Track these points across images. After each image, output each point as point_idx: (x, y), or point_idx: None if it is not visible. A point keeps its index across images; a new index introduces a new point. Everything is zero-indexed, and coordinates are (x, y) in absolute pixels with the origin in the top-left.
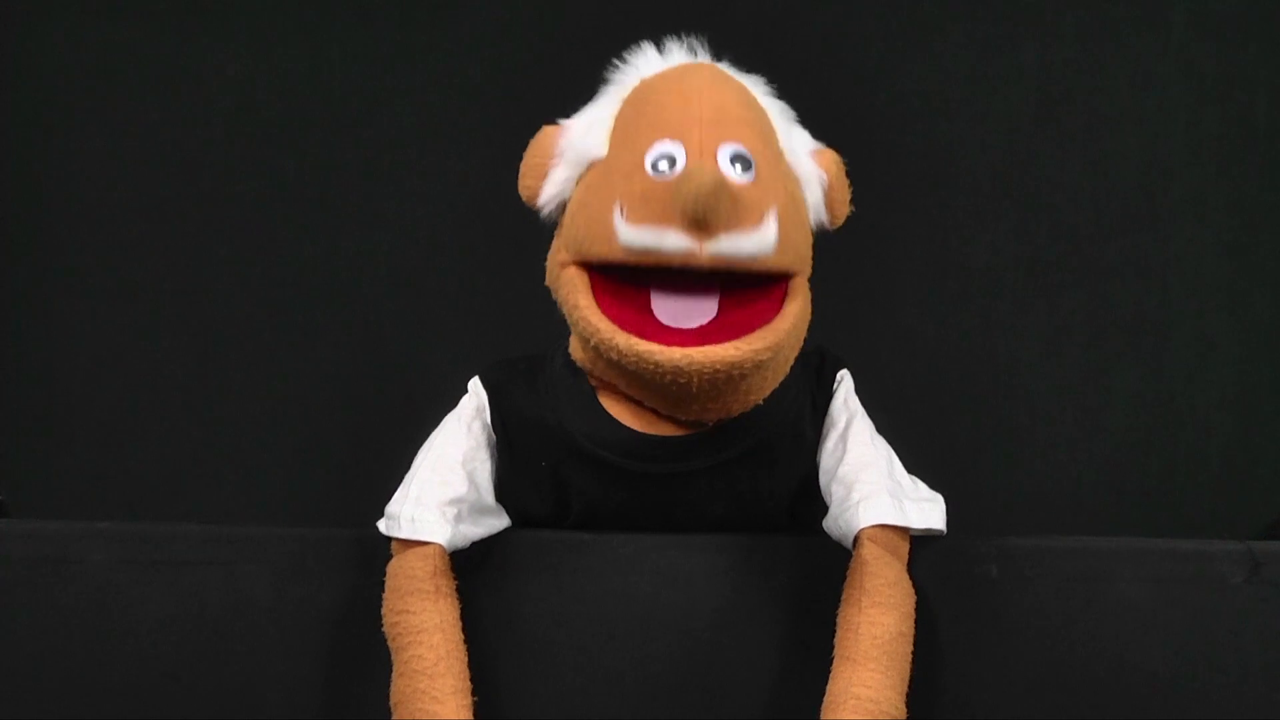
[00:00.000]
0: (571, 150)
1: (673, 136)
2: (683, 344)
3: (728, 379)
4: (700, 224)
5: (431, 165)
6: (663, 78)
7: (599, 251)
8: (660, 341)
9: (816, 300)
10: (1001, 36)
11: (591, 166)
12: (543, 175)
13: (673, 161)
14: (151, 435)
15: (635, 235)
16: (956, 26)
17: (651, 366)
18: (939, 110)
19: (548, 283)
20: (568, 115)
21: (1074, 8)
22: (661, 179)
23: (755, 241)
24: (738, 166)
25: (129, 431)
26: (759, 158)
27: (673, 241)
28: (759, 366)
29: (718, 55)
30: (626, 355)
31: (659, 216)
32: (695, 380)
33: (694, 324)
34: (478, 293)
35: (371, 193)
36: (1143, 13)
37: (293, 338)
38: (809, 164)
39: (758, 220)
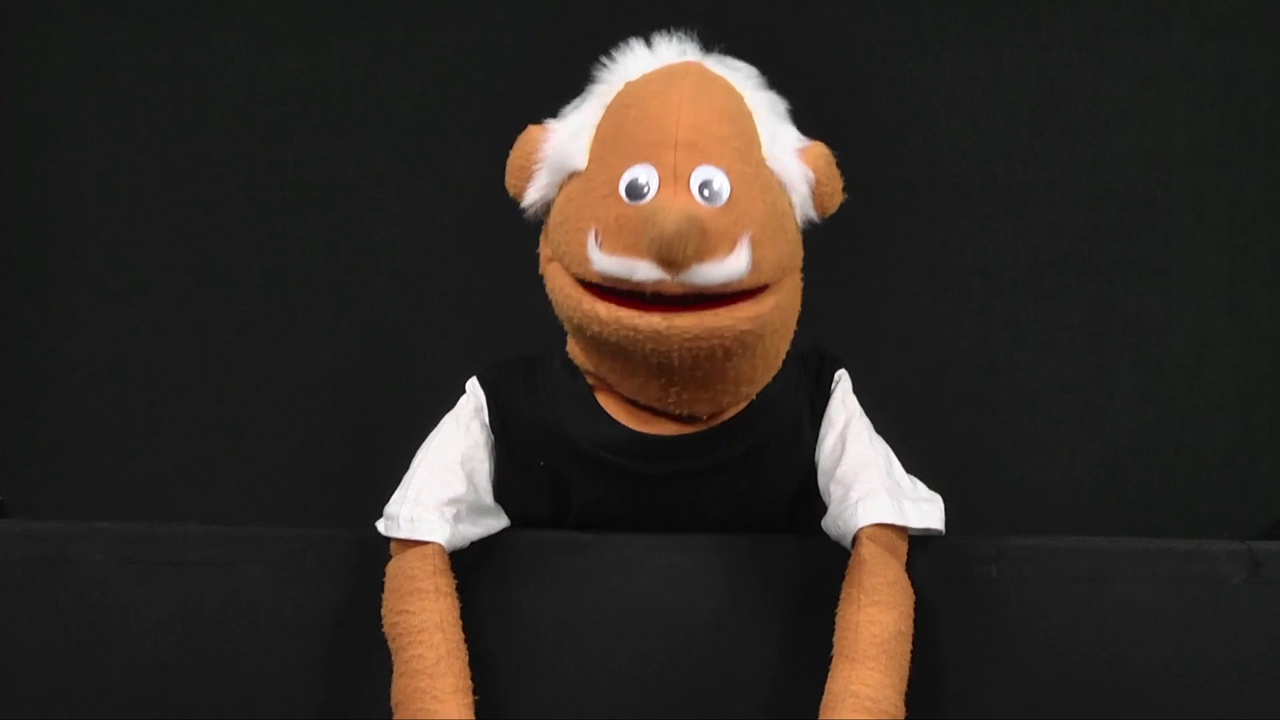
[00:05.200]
0: (553, 158)
1: (647, 160)
2: (663, 310)
3: (709, 354)
4: (668, 263)
5: (431, 165)
6: (644, 86)
7: (576, 271)
8: (641, 309)
9: (817, 300)
10: (1001, 37)
11: (572, 176)
12: (527, 177)
13: (647, 189)
14: (151, 435)
15: (608, 264)
16: (956, 26)
17: (631, 332)
18: (938, 110)
19: (540, 270)
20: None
21: (1074, 8)
22: (635, 206)
23: (726, 270)
24: (710, 192)
25: (129, 431)
26: (735, 178)
27: (644, 272)
28: (742, 342)
29: (710, 49)
30: (608, 324)
31: (630, 248)
32: (676, 351)
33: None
34: (478, 293)
35: (371, 192)
36: (1143, 13)
37: (293, 338)
38: (794, 165)
39: (729, 249)
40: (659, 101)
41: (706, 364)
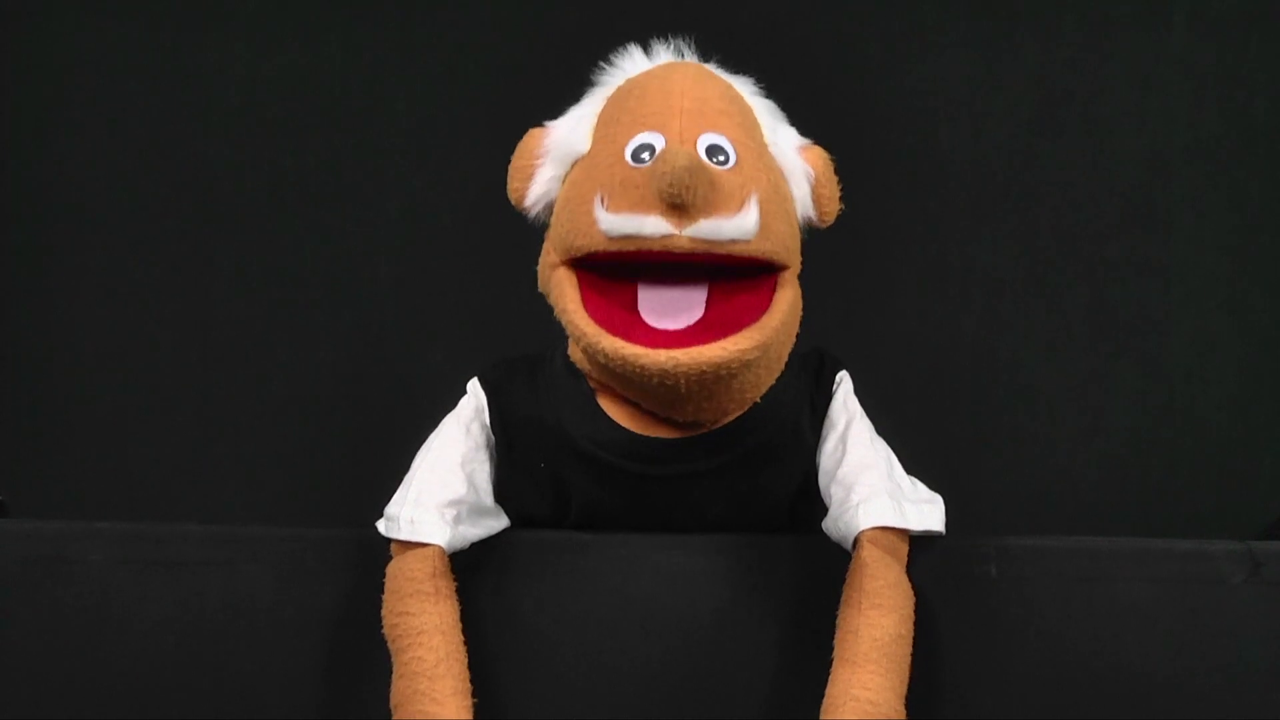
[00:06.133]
0: (556, 149)
1: (653, 128)
2: (668, 345)
3: (716, 379)
4: (678, 205)
5: (431, 165)
6: (647, 74)
7: (582, 243)
8: (646, 344)
9: (817, 301)
10: (1001, 36)
11: (576, 163)
12: (529, 177)
13: (653, 151)
14: (151, 435)
15: (615, 223)
16: (956, 26)
17: (638, 370)
18: (939, 110)
19: (540, 288)
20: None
21: (1074, 8)
22: (641, 167)
23: (735, 225)
24: (718, 157)
25: (129, 431)
26: (740, 148)
27: (652, 226)
28: (747, 366)
29: (707, 56)
30: (613, 359)
31: (638, 203)
32: (683, 382)
33: (680, 323)
34: (478, 293)
35: (371, 193)
36: (1143, 13)
37: (292, 338)
38: (796, 159)
39: (738, 206)
40: (663, 82)
41: (712, 385)
